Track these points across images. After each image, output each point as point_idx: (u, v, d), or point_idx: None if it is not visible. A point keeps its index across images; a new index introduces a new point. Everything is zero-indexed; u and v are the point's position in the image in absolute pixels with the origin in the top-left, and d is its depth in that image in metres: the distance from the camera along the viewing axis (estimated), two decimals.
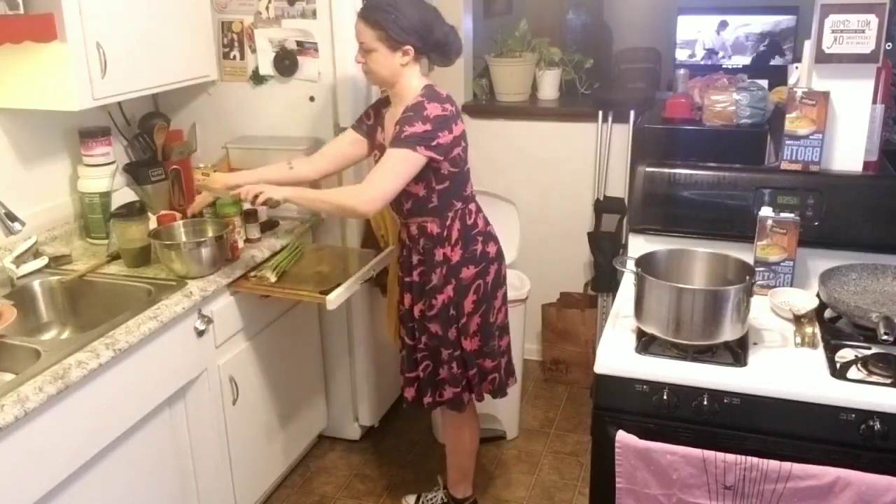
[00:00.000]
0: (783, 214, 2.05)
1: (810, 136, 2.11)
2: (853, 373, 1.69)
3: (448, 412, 2.45)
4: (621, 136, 3.30)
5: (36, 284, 2.23)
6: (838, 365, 1.71)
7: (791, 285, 2.06)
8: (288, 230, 2.67)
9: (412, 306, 2.35)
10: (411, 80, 2.19)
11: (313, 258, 2.56)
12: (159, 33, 2.41)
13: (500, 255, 2.36)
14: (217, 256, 2.28)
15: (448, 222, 2.24)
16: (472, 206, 2.29)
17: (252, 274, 2.38)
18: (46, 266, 2.29)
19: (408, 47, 2.12)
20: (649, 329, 1.81)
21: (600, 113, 3.31)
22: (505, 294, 2.40)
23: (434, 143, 2.10)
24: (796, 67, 2.45)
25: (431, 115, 2.10)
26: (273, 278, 2.35)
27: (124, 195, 2.52)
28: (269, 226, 2.66)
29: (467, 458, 2.56)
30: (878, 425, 1.60)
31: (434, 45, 2.17)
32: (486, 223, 2.33)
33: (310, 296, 2.31)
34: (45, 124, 2.42)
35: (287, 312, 2.66)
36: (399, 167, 2.10)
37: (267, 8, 2.64)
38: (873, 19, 2.02)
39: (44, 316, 2.25)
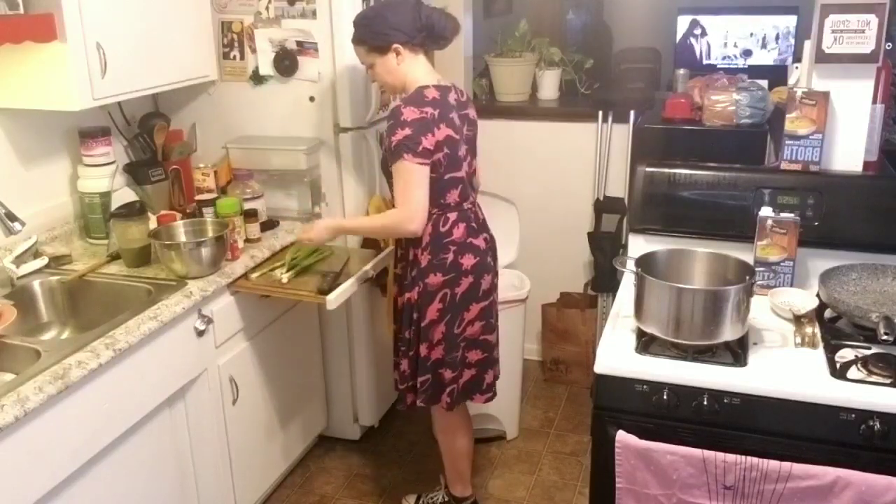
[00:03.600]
0: (783, 214, 2.05)
1: (810, 136, 2.11)
2: (853, 373, 1.69)
3: (439, 413, 2.46)
4: (621, 136, 3.30)
5: (36, 284, 2.23)
6: (838, 365, 1.71)
7: (791, 285, 2.06)
8: (288, 230, 2.67)
9: (397, 297, 2.40)
10: (416, 76, 2.22)
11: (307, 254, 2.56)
12: (159, 33, 2.41)
13: (480, 268, 2.27)
14: (217, 256, 2.28)
15: None
16: (452, 215, 2.24)
17: (262, 272, 2.38)
18: (46, 266, 2.29)
19: (395, 46, 2.17)
20: (649, 329, 1.81)
21: (600, 113, 3.31)
22: (485, 309, 2.31)
23: (420, 149, 2.11)
24: (796, 67, 2.45)
25: (409, 119, 2.11)
26: (285, 279, 2.34)
27: (124, 195, 2.52)
28: (269, 226, 2.66)
29: (461, 460, 2.56)
30: (878, 425, 1.60)
31: (423, 34, 2.20)
32: (469, 234, 2.26)
33: (309, 296, 2.31)
34: (45, 124, 2.42)
35: (287, 312, 2.66)
36: (405, 178, 2.15)
37: (267, 8, 2.64)
38: (873, 19, 2.02)
39: (44, 316, 2.25)
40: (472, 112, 2.35)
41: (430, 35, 2.22)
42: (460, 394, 2.38)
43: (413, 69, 2.22)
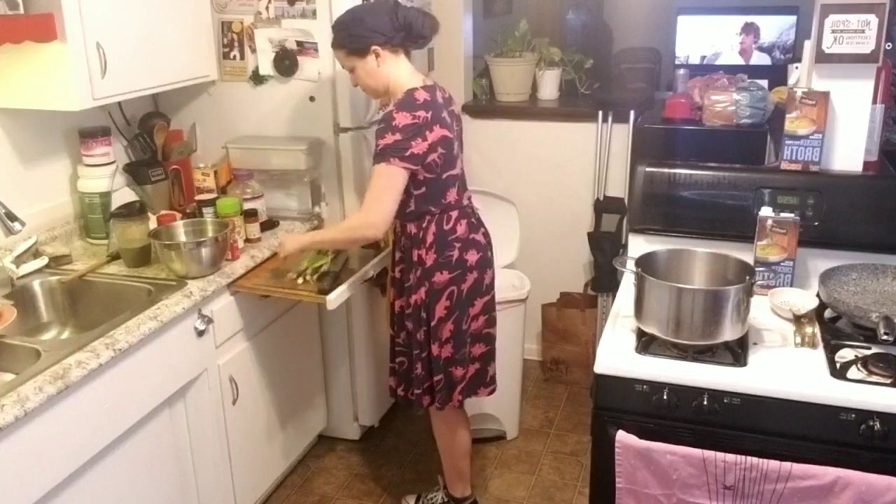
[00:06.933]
0: (783, 214, 2.05)
1: (810, 136, 2.11)
2: (853, 373, 1.69)
3: (436, 414, 2.46)
4: (621, 136, 3.30)
5: (36, 284, 2.23)
6: (838, 365, 1.71)
7: (791, 285, 2.06)
8: (288, 230, 2.67)
9: (395, 301, 2.39)
10: (398, 77, 2.22)
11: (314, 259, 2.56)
12: (159, 33, 2.41)
13: (483, 263, 2.31)
14: (217, 256, 2.28)
15: (424, 224, 2.24)
16: (454, 213, 2.26)
17: (291, 276, 2.38)
18: (46, 266, 2.29)
19: (374, 48, 2.17)
20: (649, 329, 1.81)
21: (600, 113, 3.31)
22: (488, 303, 2.36)
23: (408, 154, 2.11)
24: (796, 67, 2.45)
25: (400, 125, 2.11)
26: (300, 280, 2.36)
27: (124, 195, 2.52)
28: (269, 226, 2.66)
29: (460, 460, 2.56)
30: (878, 425, 1.60)
31: (401, 34, 2.19)
32: (471, 231, 2.29)
33: (309, 296, 2.31)
34: (45, 124, 2.42)
35: (287, 312, 2.66)
36: (383, 182, 2.14)
37: (267, 8, 2.64)
38: (873, 19, 2.02)
39: (44, 316, 2.25)
40: (456, 108, 2.37)
41: (409, 35, 2.21)
42: (467, 389, 2.39)
43: (394, 70, 2.21)
